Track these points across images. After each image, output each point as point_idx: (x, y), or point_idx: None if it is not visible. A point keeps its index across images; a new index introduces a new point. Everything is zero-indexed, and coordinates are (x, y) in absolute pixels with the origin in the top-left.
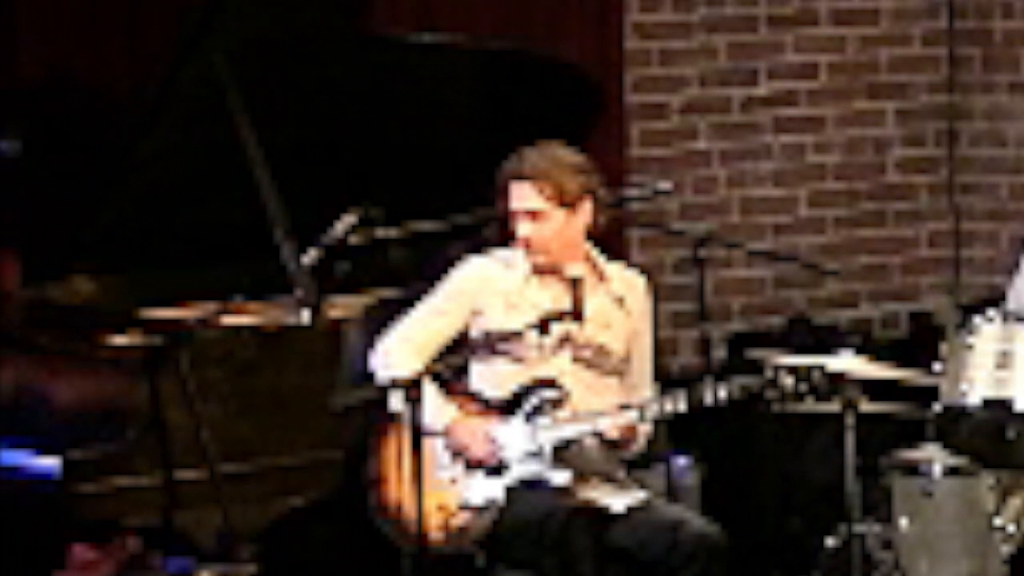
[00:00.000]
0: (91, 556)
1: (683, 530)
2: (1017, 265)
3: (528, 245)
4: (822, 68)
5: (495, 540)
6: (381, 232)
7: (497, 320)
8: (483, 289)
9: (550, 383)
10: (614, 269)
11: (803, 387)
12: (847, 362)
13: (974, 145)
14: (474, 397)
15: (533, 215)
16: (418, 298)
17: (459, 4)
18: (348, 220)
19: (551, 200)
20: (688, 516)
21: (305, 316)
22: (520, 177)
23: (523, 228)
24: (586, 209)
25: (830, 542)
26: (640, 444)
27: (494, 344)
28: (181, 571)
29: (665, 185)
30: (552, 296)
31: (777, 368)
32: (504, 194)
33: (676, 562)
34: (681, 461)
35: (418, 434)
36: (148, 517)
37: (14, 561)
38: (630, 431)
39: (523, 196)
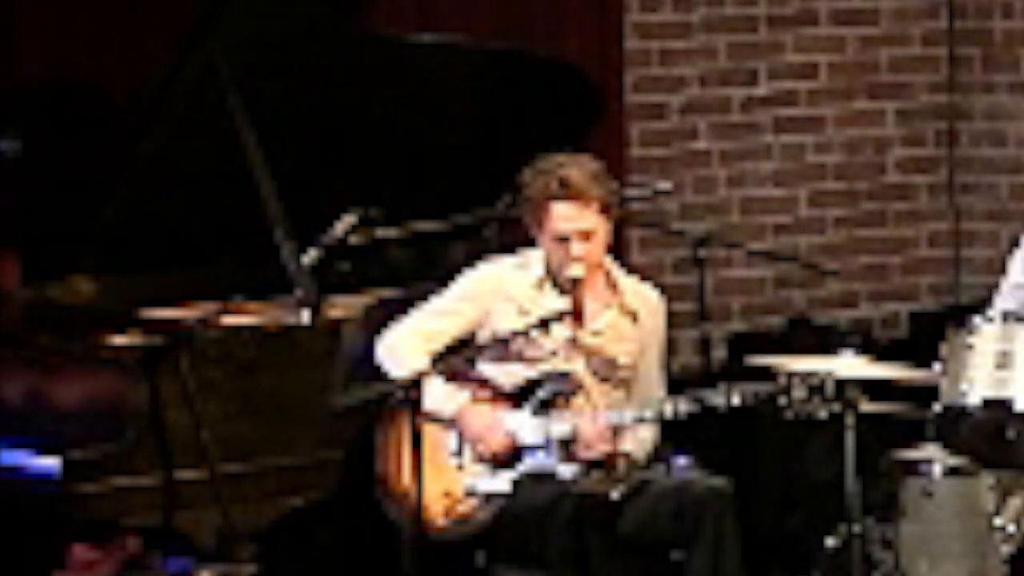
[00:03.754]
0: (91, 556)
1: (687, 492)
2: (1005, 265)
3: (579, 263)
4: (822, 68)
5: (499, 531)
6: (381, 232)
7: (507, 325)
8: (495, 294)
9: (563, 376)
10: (629, 283)
11: (815, 399)
12: (854, 366)
13: (974, 145)
14: (484, 384)
15: (587, 234)
16: (418, 298)
17: (459, 4)
18: (348, 220)
19: (599, 214)
20: (690, 478)
21: (305, 316)
22: (569, 197)
23: (578, 248)
24: (614, 214)
25: (830, 542)
26: (640, 457)
27: (504, 348)
28: (181, 571)
29: (665, 185)
30: (565, 301)
31: (790, 377)
32: (538, 211)
33: (688, 526)
34: (681, 461)
35: (418, 433)
36: (148, 517)
37: (14, 561)
38: (611, 456)
39: (575, 217)
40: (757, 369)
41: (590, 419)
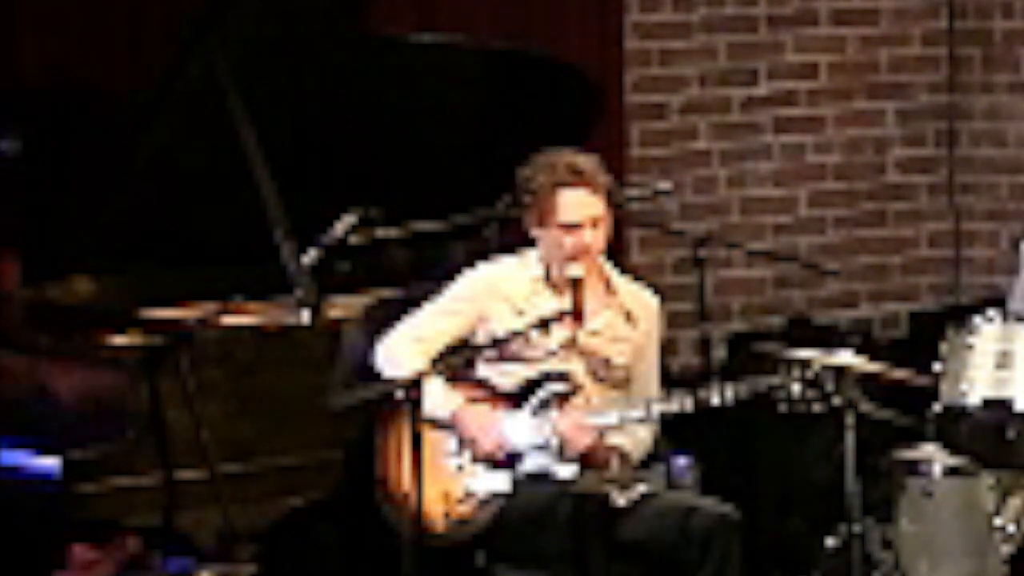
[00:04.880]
0: (91, 556)
1: (696, 517)
2: (1017, 266)
3: (588, 252)
4: (822, 68)
5: (499, 531)
6: (381, 232)
7: (504, 326)
8: (491, 295)
9: (561, 376)
10: (624, 284)
11: (812, 393)
12: (851, 360)
13: (974, 145)
14: (483, 385)
15: (595, 221)
16: (419, 298)
17: (459, 4)
18: (348, 220)
19: (605, 202)
20: (697, 501)
21: (305, 316)
22: (580, 184)
23: (588, 236)
24: (614, 206)
25: (830, 542)
26: (638, 456)
27: (502, 349)
28: (181, 571)
29: (665, 185)
30: (562, 301)
31: (789, 371)
32: (545, 202)
33: (694, 550)
34: (681, 461)
35: (418, 434)
36: (148, 517)
37: (14, 561)
38: (598, 457)
39: (587, 203)
40: (756, 363)
41: (566, 416)
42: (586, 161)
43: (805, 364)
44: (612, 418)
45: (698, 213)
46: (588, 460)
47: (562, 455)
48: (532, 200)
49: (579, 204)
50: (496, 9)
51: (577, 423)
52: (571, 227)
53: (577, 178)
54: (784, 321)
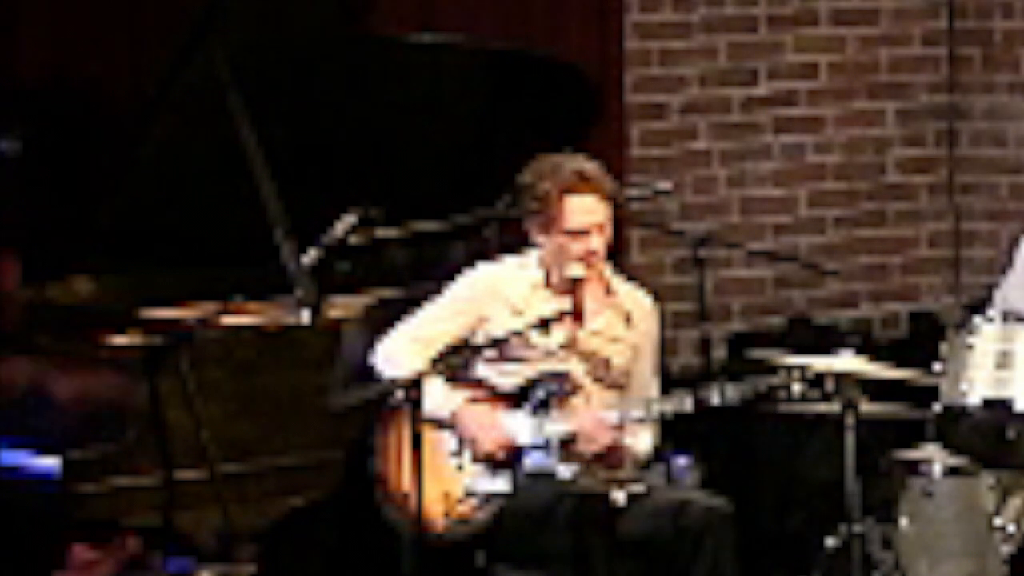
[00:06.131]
0: (91, 556)
1: (688, 511)
2: (1011, 264)
3: (595, 258)
4: (822, 68)
5: (499, 531)
6: (381, 232)
7: (503, 327)
8: (491, 296)
9: (561, 376)
10: (622, 286)
11: (814, 393)
12: (852, 363)
13: (974, 145)
14: (482, 385)
15: (601, 227)
16: (418, 298)
17: (459, 4)
18: (348, 220)
19: (609, 207)
20: (691, 496)
21: (305, 316)
22: (588, 190)
23: (595, 241)
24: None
25: (830, 542)
26: (639, 456)
27: (501, 349)
28: (181, 571)
29: (665, 185)
30: (561, 303)
31: (789, 371)
32: (551, 207)
33: (688, 545)
34: (681, 461)
35: (418, 434)
36: (148, 517)
37: (14, 561)
38: (614, 455)
39: (594, 209)
40: (756, 364)
41: (586, 412)
42: (592, 167)
43: (803, 368)
44: (615, 419)
45: (698, 213)
46: (602, 460)
47: (566, 454)
48: (537, 206)
49: (587, 210)
50: (496, 9)
51: (598, 421)
52: (579, 233)
53: (585, 184)
54: (784, 321)
